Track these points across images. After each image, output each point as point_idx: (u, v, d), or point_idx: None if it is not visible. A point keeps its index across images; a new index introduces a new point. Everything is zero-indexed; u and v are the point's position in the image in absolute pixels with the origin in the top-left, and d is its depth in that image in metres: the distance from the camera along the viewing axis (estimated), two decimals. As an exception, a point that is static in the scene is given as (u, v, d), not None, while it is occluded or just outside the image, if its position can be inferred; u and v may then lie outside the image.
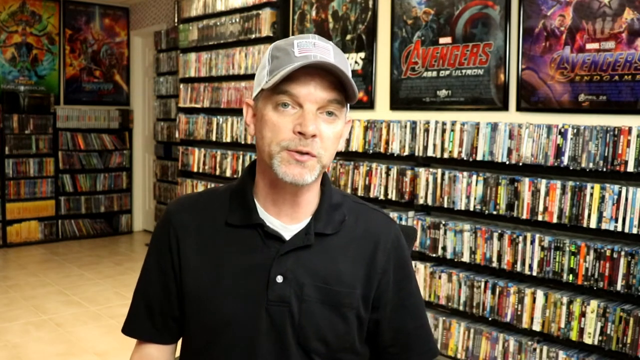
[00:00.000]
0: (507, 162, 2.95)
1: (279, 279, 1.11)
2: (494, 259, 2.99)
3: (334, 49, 1.11)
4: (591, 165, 2.67)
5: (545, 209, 2.80)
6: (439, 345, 3.18)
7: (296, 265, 1.13)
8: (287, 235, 1.14)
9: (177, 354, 1.27)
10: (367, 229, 1.20)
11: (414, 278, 1.25)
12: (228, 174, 4.72)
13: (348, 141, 3.69)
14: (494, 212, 2.99)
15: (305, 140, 1.06)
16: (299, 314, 1.12)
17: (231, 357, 1.13)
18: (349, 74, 1.07)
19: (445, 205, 3.19)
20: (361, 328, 1.18)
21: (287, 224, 1.15)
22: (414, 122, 3.37)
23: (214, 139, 4.89)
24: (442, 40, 3.37)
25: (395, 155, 3.47)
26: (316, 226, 1.15)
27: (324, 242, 1.16)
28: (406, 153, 3.41)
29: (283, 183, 1.09)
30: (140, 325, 1.21)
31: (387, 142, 3.50)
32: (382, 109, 3.73)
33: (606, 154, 2.62)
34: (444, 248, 3.19)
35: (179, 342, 1.26)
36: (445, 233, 3.18)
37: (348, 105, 1.13)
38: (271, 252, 1.13)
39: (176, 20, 5.86)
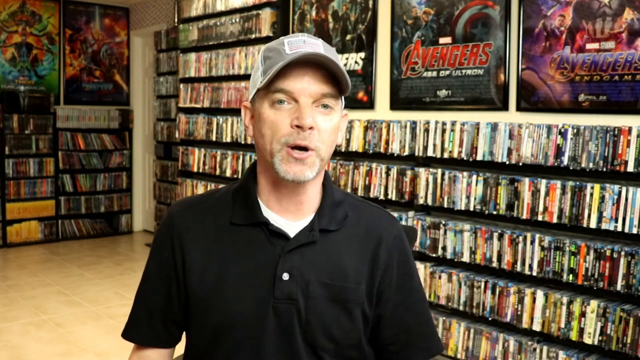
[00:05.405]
0: (507, 162, 2.95)
1: (285, 276, 1.12)
2: (494, 259, 2.99)
3: (324, 44, 1.13)
4: (591, 165, 2.67)
5: (545, 209, 2.80)
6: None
7: (301, 262, 1.13)
8: (292, 233, 1.15)
9: (177, 354, 1.27)
10: (369, 226, 1.21)
11: (416, 275, 1.25)
12: (228, 174, 4.72)
13: (348, 141, 3.69)
14: (494, 212, 2.99)
15: (303, 134, 1.07)
16: (305, 311, 1.12)
17: (238, 356, 1.13)
18: (341, 66, 1.09)
19: (445, 205, 3.19)
20: (366, 325, 1.18)
21: (291, 221, 1.16)
22: (414, 122, 3.37)
23: (214, 139, 4.89)
24: (442, 40, 3.37)
25: (395, 155, 3.47)
26: (320, 222, 1.16)
27: (328, 238, 1.16)
28: (406, 153, 3.41)
29: (285, 181, 1.10)
30: (141, 330, 1.21)
31: (387, 142, 3.50)
32: (382, 109, 3.73)
33: (606, 154, 2.62)
34: (444, 248, 3.19)
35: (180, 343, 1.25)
36: (445, 233, 3.18)
37: (342, 98, 1.15)
38: (276, 250, 1.13)
39: (176, 20, 5.86)
